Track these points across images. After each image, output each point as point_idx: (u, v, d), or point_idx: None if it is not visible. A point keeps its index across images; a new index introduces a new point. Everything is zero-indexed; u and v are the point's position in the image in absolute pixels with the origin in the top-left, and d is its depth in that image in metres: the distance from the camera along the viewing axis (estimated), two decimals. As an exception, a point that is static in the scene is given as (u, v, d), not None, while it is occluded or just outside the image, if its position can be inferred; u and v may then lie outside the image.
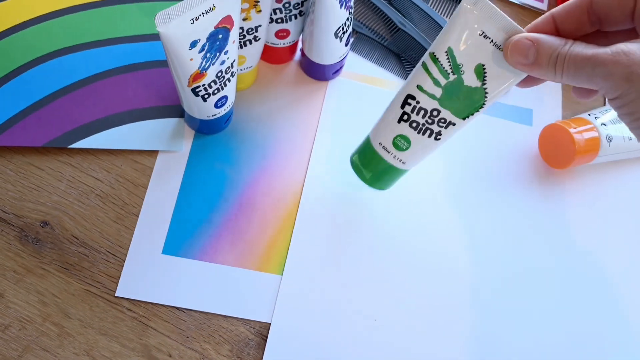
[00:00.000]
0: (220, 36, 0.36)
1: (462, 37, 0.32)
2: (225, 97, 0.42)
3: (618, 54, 0.28)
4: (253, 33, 0.42)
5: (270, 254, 0.43)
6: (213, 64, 0.38)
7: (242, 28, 0.41)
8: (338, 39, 0.44)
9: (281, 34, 0.46)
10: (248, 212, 0.44)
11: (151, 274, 0.41)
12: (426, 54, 0.35)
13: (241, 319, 0.41)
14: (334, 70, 0.48)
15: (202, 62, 0.37)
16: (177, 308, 0.40)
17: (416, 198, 0.46)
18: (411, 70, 0.51)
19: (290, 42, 0.47)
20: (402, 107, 0.36)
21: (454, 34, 0.33)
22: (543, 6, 0.56)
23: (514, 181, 0.48)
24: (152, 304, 0.40)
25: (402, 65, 0.51)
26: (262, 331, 0.41)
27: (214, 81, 0.39)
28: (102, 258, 0.41)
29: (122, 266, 0.41)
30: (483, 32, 0.32)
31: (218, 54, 0.37)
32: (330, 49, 0.45)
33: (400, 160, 0.39)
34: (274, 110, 0.48)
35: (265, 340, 0.40)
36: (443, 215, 0.46)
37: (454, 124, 0.36)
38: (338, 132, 0.48)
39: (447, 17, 0.54)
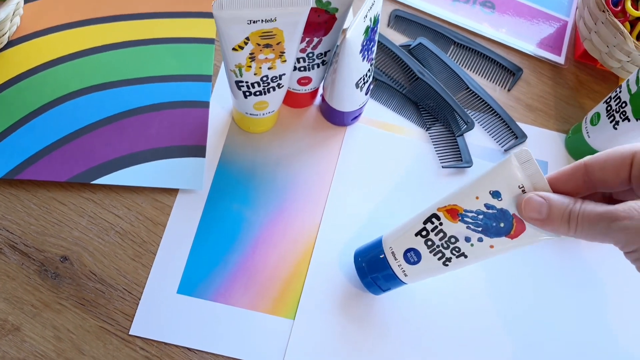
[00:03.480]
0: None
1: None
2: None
3: (630, 210, 0.29)
4: (277, 81, 0.43)
5: (284, 297, 0.43)
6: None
7: (266, 76, 0.42)
8: (359, 89, 0.45)
9: (303, 81, 0.47)
10: (263, 254, 0.44)
11: (165, 313, 0.42)
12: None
13: (252, 362, 0.41)
14: (353, 116, 0.49)
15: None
16: (188, 349, 0.41)
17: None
18: (429, 118, 0.52)
19: (311, 89, 0.48)
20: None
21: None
22: (560, 60, 0.57)
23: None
24: (165, 343, 0.41)
25: (419, 114, 0.52)
26: (272, 376, 0.41)
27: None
28: (118, 295, 0.42)
29: (138, 304, 0.42)
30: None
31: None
32: (350, 97, 0.46)
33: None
34: (292, 153, 0.49)
35: (275, 386, 0.40)
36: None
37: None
38: (355, 177, 0.48)
39: (466, 67, 0.55)
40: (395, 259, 0.39)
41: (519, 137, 0.52)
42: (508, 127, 0.52)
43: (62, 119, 0.46)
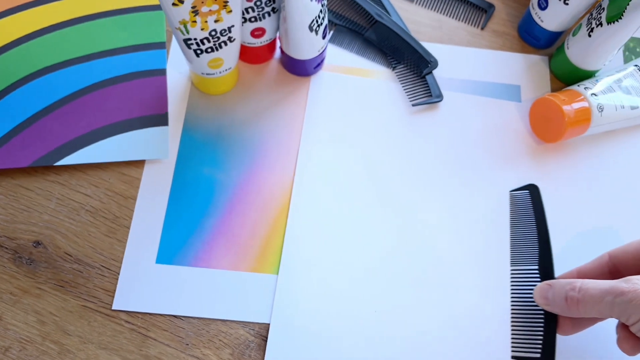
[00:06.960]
0: None
1: None
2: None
3: (634, 283, 0.32)
4: (227, 34, 0.42)
5: (265, 254, 0.43)
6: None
7: (214, 30, 0.41)
8: (313, 32, 0.44)
9: (257, 33, 0.45)
10: (240, 215, 0.44)
11: (146, 284, 0.41)
12: None
13: (240, 321, 0.41)
14: (315, 64, 0.48)
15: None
16: (174, 316, 0.40)
17: (407, 182, 0.45)
18: (394, 59, 0.50)
19: (267, 41, 0.47)
20: None
21: None
22: None
23: (507, 158, 0.47)
24: (150, 314, 0.40)
25: (384, 54, 0.51)
26: (261, 332, 0.40)
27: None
28: (96, 273, 0.41)
29: (117, 279, 0.41)
30: None
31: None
32: (307, 43, 0.44)
33: None
34: (258, 110, 0.48)
35: (266, 341, 0.40)
36: (435, 198, 0.45)
37: None
38: (324, 126, 0.47)
39: (436, 11, 0.53)
40: None
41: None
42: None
43: (16, 105, 0.45)
